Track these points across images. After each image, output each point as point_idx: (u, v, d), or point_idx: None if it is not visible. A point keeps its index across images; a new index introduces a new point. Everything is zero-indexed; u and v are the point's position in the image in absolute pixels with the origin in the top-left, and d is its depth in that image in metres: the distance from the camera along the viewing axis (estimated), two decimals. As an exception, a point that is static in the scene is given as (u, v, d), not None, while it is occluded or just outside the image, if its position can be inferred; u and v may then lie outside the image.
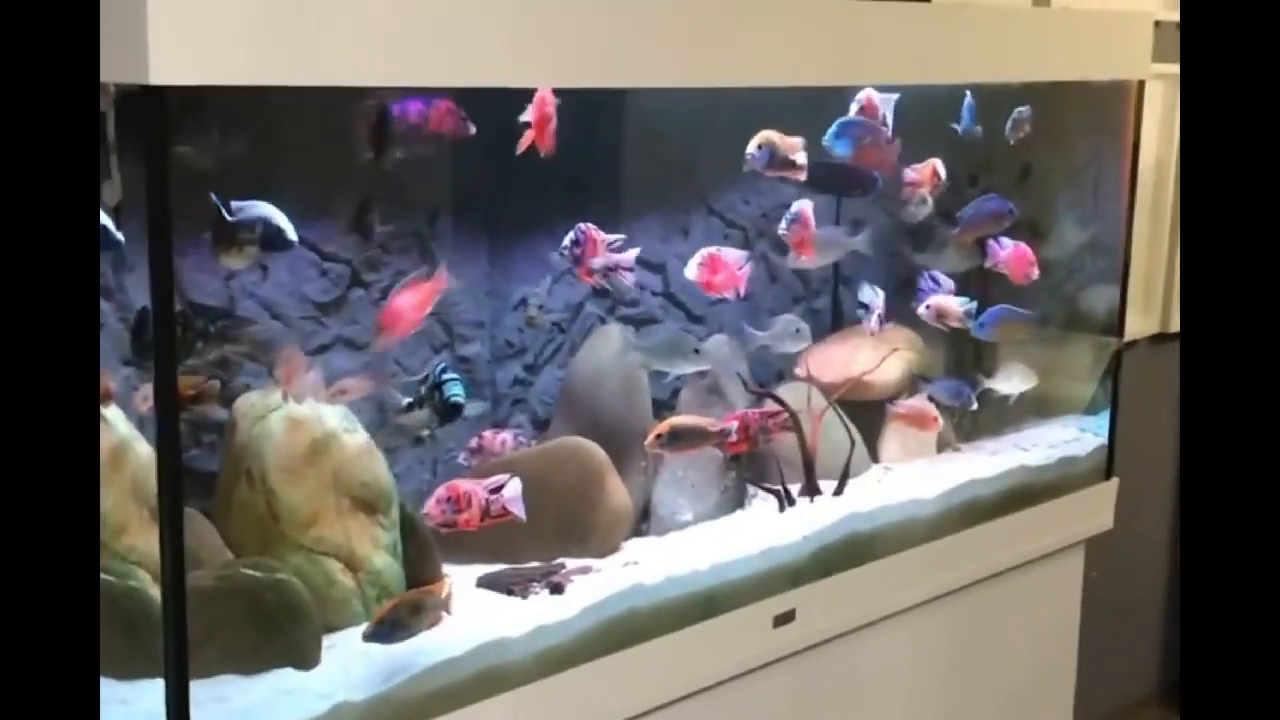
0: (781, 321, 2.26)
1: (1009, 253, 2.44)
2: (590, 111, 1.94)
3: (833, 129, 2.13)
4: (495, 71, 1.63)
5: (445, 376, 1.85)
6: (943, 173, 2.33)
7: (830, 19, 2.02)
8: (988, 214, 2.42)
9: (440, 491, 1.75)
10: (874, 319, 2.33)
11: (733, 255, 2.07)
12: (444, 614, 1.73)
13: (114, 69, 1.36)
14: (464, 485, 1.75)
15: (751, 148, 2.02)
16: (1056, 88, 2.42)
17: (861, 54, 2.07)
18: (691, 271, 2.05)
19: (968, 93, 2.32)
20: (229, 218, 1.49)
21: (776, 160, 2.04)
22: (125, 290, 1.73)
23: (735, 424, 2.12)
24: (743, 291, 2.07)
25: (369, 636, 1.68)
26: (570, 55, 1.71)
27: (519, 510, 1.77)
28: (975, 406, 2.54)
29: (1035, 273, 2.46)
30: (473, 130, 1.69)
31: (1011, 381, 2.61)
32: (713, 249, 2.06)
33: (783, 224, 2.16)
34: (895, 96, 2.17)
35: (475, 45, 1.60)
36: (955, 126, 2.33)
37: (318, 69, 1.45)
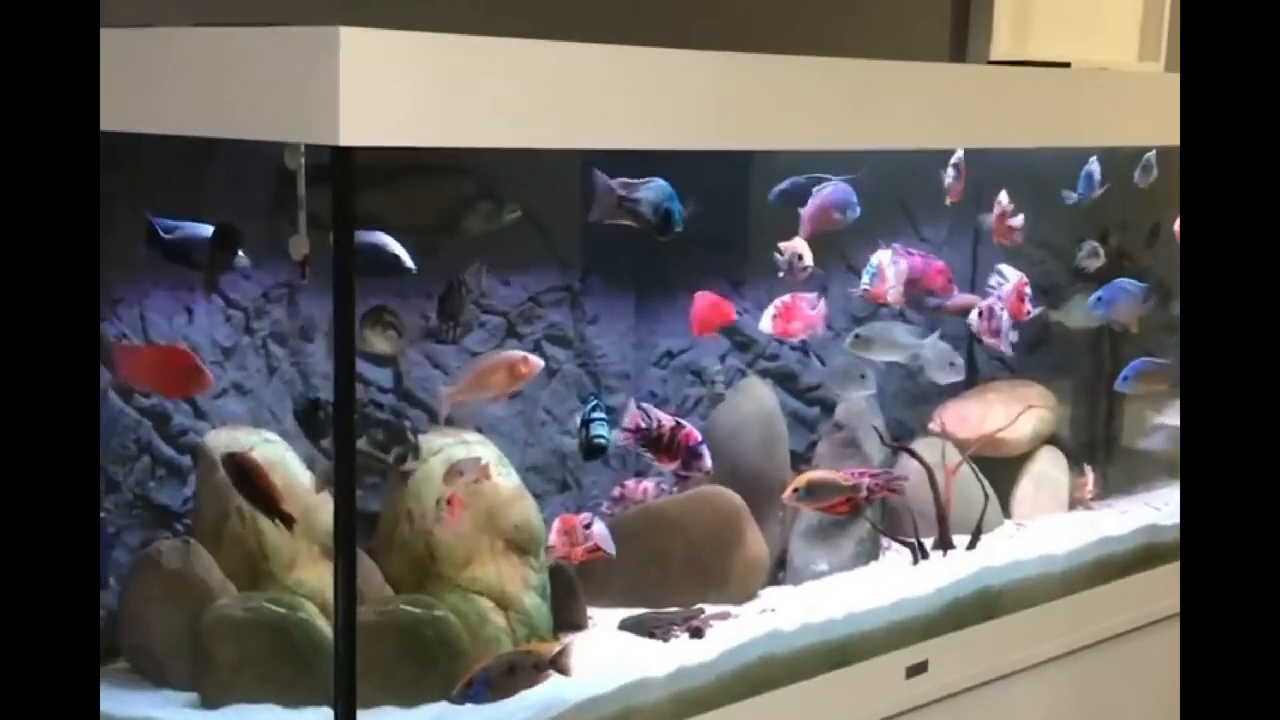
0: (937, 346, 2.30)
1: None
2: (726, 172, 2.02)
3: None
4: (654, 135, 1.70)
5: (594, 415, 1.92)
6: (1028, 292, 2.36)
7: (971, 83, 2.07)
8: (1125, 297, 2.45)
9: (556, 524, 1.85)
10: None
11: (806, 299, 2.14)
12: (551, 674, 1.73)
13: (304, 129, 1.45)
14: (572, 519, 1.85)
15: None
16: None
17: (1005, 117, 2.11)
18: (766, 324, 2.13)
19: (1091, 159, 2.36)
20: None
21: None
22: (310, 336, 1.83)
23: (867, 480, 2.17)
24: (820, 331, 2.16)
25: (456, 699, 1.69)
26: (715, 119, 1.77)
27: (609, 546, 1.86)
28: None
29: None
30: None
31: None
32: (786, 297, 2.13)
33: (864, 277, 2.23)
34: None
35: (645, 110, 1.67)
36: (1071, 194, 2.36)
37: (496, 132, 1.53)
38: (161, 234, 1.77)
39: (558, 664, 1.73)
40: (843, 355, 2.28)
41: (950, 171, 2.23)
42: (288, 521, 1.72)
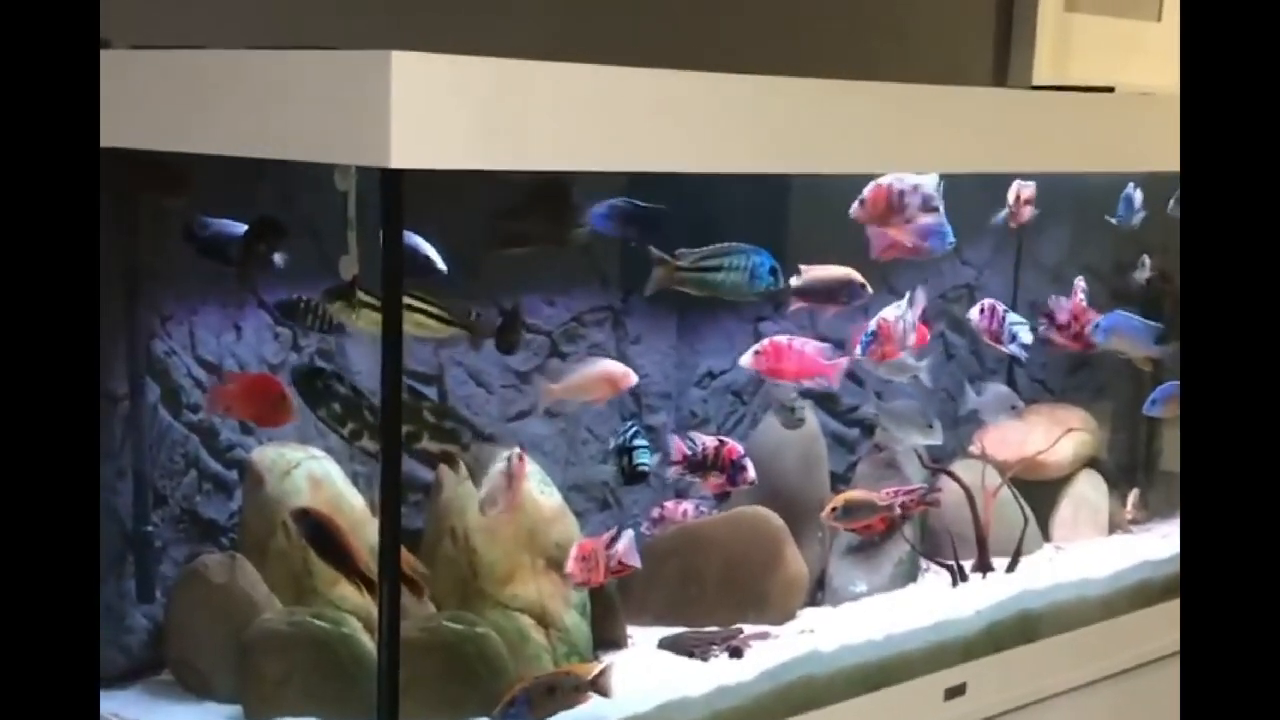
0: (997, 392, 2.29)
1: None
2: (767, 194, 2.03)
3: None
4: (698, 158, 1.71)
5: (636, 443, 1.93)
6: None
7: (1014, 108, 2.08)
8: (1124, 326, 2.41)
9: (574, 551, 1.84)
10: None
11: (801, 340, 2.07)
12: (591, 695, 1.73)
13: (354, 152, 1.47)
14: (590, 543, 1.83)
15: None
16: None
17: (1049, 142, 2.12)
18: (747, 359, 2.05)
19: (1131, 184, 2.36)
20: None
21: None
22: (346, 355, 1.85)
23: (902, 498, 2.18)
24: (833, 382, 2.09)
25: (496, 718, 1.69)
26: (760, 143, 1.78)
27: (635, 560, 1.84)
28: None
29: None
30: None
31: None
32: (782, 339, 2.06)
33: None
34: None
35: (691, 133, 1.68)
36: (1111, 219, 2.36)
37: (542, 155, 1.55)
38: (196, 230, 1.80)
39: (598, 685, 1.73)
40: (905, 397, 2.25)
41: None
42: (368, 585, 1.66)
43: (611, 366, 1.93)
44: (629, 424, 1.99)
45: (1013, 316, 2.28)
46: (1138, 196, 2.39)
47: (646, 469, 1.93)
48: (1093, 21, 2.96)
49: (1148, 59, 3.12)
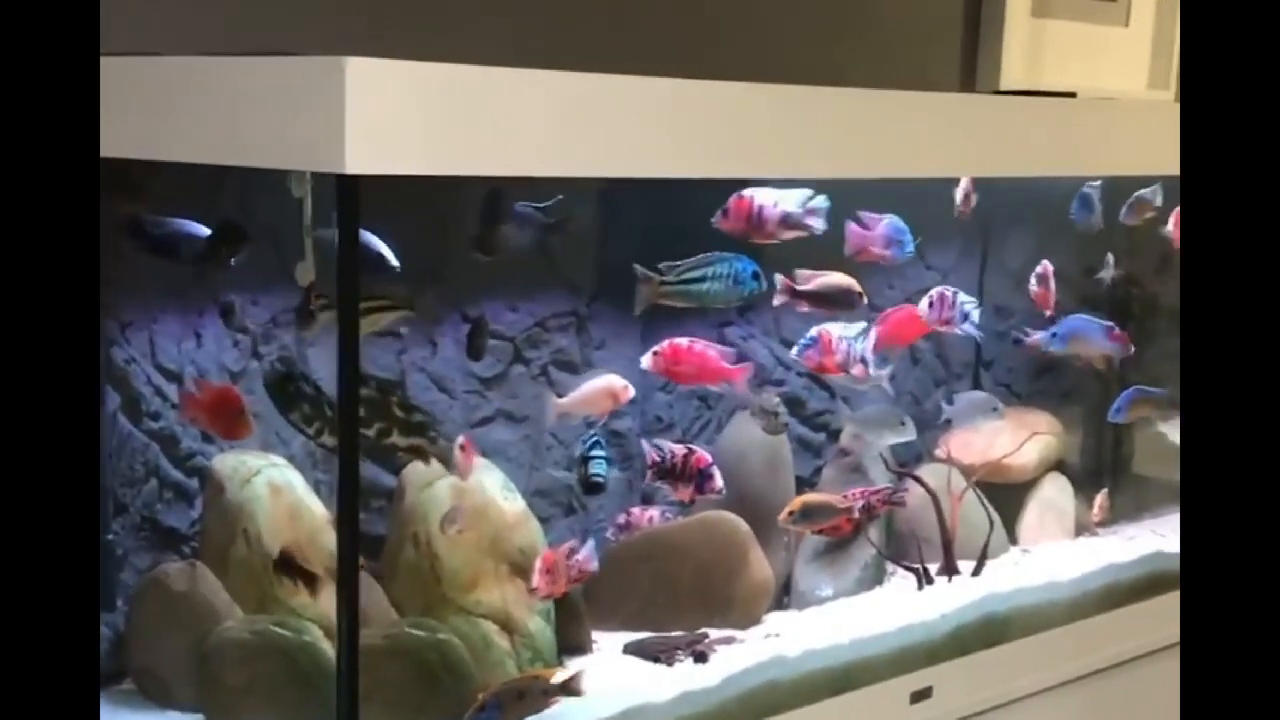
0: (971, 399, 2.30)
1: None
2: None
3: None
4: (656, 164, 1.71)
5: (593, 453, 1.95)
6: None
7: (976, 112, 2.08)
8: (1082, 330, 2.41)
9: (538, 564, 1.84)
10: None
11: (703, 344, 2.03)
12: (559, 699, 1.74)
13: (309, 158, 1.47)
14: (553, 554, 1.85)
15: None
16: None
17: (1011, 147, 2.12)
18: (646, 360, 2.03)
19: (1086, 184, 2.36)
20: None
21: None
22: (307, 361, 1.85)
23: (863, 500, 2.18)
24: (738, 387, 2.06)
25: None
26: (725, 149, 1.78)
27: (593, 565, 1.87)
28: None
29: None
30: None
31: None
32: (681, 340, 2.03)
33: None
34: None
35: (640, 139, 1.68)
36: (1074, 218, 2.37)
37: (499, 161, 1.55)
38: (149, 228, 1.79)
39: (569, 688, 1.74)
40: (876, 400, 2.25)
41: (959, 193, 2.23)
42: None
43: (614, 380, 1.96)
44: (591, 433, 1.99)
45: (962, 296, 2.25)
46: (1095, 195, 2.38)
47: (601, 480, 1.96)
48: (1060, 26, 2.97)
49: (1115, 64, 3.14)
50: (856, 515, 2.18)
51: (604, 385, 1.95)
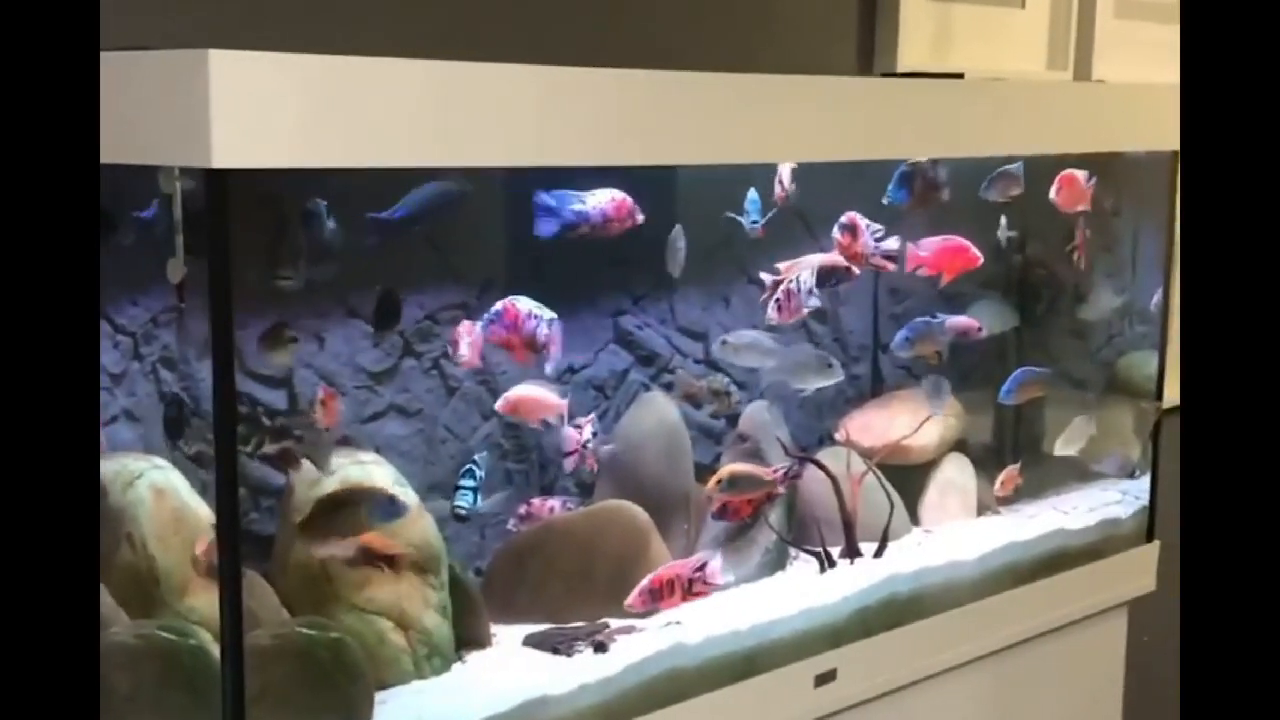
0: (801, 350, 2.29)
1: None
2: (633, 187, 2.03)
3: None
4: (539, 152, 1.70)
5: (461, 483, 1.96)
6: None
7: (865, 96, 2.09)
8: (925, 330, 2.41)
9: (644, 584, 1.96)
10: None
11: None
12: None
13: (178, 153, 1.45)
14: (667, 573, 1.94)
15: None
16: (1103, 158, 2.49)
17: (898, 128, 2.13)
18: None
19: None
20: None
21: None
22: (189, 363, 1.82)
23: (780, 475, 2.20)
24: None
25: None
26: (617, 137, 1.77)
27: (720, 580, 1.98)
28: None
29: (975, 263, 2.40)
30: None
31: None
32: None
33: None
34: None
35: (516, 126, 1.67)
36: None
37: (371, 152, 1.53)
38: None
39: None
40: (801, 345, 2.27)
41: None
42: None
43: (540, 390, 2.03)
44: (467, 464, 2.02)
45: (873, 226, 2.25)
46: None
47: (464, 513, 1.98)
48: (958, 10, 2.98)
49: (1013, 46, 3.15)
50: (782, 489, 2.21)
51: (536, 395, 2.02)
